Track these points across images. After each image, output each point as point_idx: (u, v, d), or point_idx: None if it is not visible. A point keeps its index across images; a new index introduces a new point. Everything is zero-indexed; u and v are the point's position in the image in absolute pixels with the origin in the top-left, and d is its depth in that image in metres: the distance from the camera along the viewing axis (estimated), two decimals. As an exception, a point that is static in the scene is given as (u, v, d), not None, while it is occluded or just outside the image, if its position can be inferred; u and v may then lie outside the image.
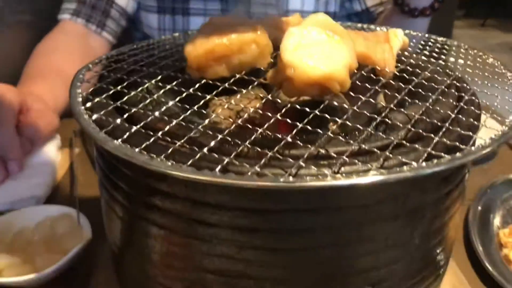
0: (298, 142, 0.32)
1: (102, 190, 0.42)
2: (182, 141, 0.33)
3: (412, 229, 0.36)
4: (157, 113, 0.36)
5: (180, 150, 0.33)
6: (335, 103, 0.38)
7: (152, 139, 0.33)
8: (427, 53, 0.49)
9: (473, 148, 0.32)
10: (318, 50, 0.36)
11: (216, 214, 0.33)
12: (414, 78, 0.41)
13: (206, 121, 0.35)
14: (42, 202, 0.69)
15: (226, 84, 0.39)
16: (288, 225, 0.33)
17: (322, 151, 0.32)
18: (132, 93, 0.40)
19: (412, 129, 0.35)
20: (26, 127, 0.69)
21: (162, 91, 0.40)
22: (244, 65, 0.41)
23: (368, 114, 0.36)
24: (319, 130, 0.34)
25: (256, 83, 0.40)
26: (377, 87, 0.39)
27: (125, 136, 0.33)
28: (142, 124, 0.35)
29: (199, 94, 0.38)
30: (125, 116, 0.36)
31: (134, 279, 0.43)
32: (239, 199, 0.32)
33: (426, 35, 0.54)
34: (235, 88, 0.39)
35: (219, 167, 0.30)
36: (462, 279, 0.56)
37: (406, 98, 0.38)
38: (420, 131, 0.34)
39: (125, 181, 0.37)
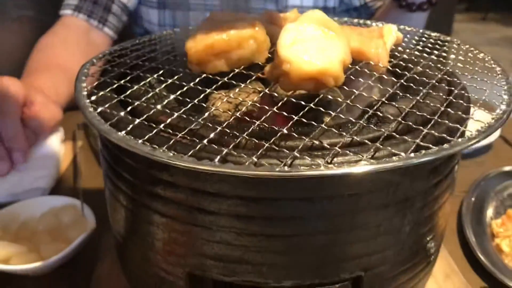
0: (294, 134, 0.34)
1: (107, 180, 0.44)
2: (183, 133, 0.35)
3: (402, 217, 0.38)
4: (159, 106, 0.38)
5: (181, 142, 0.34)
6: (330, 97, 0.39)
7: (154, 131, 0.35)
8: (420, 48, 0.50)
9: (460, 139, 0.33)
10: (314, 46, 0.38)
11: (216, 202, 0.35)
12: (406, 72, 0.43)
13: (206, 114, 0.37)
14: (47, 194, 0.71)
15: (226, 79, 0.41)
16: (283, 213, 0.35)
17: (316, 142, 0.34)
18: (135, 87, 0.41)
19: (403, 121, 0.36)
20: (30, 119, 0.71)
21: (164, 85, 0.42)
22: (242, 60, 0.42)
23: (360, 107, 0.38)
24: (313, 123, 0.35)
25: (254, 77, 0.42)
26: (370, 82, 0.41)
27: (128, 128, 0.35)
28: (144, 116, 0.37)
29: (199, 88, 0.40)
30: (128, 109, 0.38)
31: (137, 265, 0.45)
32: (237, 188, 0.34)
33: (420, 31, 0.56)
34: (234, 82, 0.41)
35: (218, 157, 0.32)
36: (454, 268, 0.57)
37: (398, 92, 0.40)
38: (410, 123, 0.36)
39: (129, 171, 0.39)
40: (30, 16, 1.05)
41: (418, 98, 0.39)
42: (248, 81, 0.42)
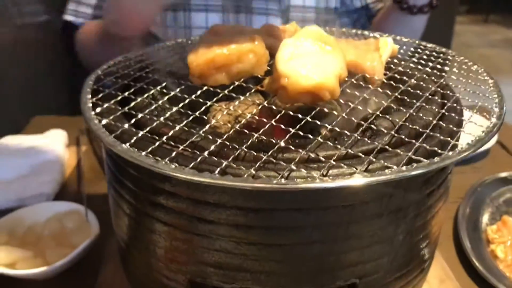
0: (291, 146, 0.35)
1: (111, 189, 0.45)
2: (185, 145, 0.36)
3: (396, 226, 0.39)
4: (162, 119, 0.39)
5: (183, 154, 0.36)
6: (326, 110, 0.40)
7: (157, 143, 0.36)
8: (415, 60, 0.51)
9: (450, 153, 0.34)
10: (311, 61, 0.39)
11: (215, 212, 0.36)
12: (401, 85, 0.44)
13: (207, 127, 0.38)
14: (52, 199, 0.73)
15: (226, 91, 0.42)
16: (280, 223, 0.36)
17: (312, 155, 0.35)
18: (139, 99, 0.43)
19: (396, 135, 0.37)
20: None
21: (166, 97, 0.43)
22: (242, 73, 0.44)
23: (356, 120, 0.39)
24: (310, 136, 0.37)
25: (253, 90, 0.43)
26: (365, 95, 0.42)
27: (132, 141, 0.36)
28: (148, 129, 0.38)
29: (201, 100, 0.41)
30: (132, 121, 0.39)
31: (140, 271, 0.46)
32: (236, 199, 0.35)
33: (417, 42, 0.57)
34: (234, 94, 0.42)
35: (218, 169, 0.33)
36: (449, 274, 0.59)
37: (392, 105, 0.41)
38: (403, 136, 0.37)
39: (132, 181, 0.40)
40: (36, 22, 1.07)
41: (411, 111, 0.40)
42: (248, 94, 0.43)
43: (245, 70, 0.43)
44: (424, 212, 0.41)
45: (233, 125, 0.42)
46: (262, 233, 0.37)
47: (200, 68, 0.42)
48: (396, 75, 0.47)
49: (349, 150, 0.36)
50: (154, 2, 0.77)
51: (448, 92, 0.45)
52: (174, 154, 0.35)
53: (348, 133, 0.37)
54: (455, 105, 0.43)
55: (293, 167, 0.33)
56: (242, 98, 0.42)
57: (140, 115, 0.40)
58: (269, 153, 0.35)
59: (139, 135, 0.37)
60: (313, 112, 0.39)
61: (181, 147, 0.36)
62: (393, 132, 0.37)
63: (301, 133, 0.37)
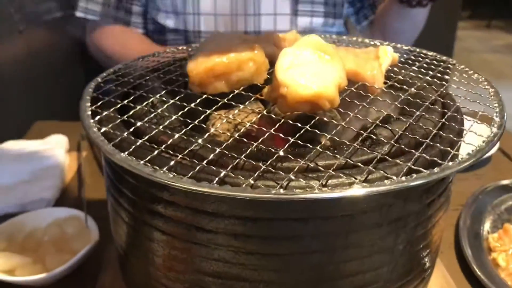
0: (290, 156, 0.35)
1: (109, 196, 0.45)
2: (184, 153, 0.36)
3: (395, 236, 0.39)
4: (161, 127, 0.39)
5: (181, 163, 0.36)
6: (326, 119, 0.40)
7: (156, 152, 0.36)
8: (416, 68, 0.51)
9: (450, 163, 0.34)
10: (310, 70, 0.39)
11: (214, 222, 0.36)
12: (401, 94, 0.44)
13: (206, 135, 0.38)
14: (52, 204, 0.72)
15: (225, 99, 0.42)
16: (279, 233, 0.36)
17: (311, 164, 0.35)
18: (138, 107, 0.43)
19: (396, 144, 0.37)
20: None
21: (165, 105, 0.43)
22: (242, 81, 0.44)
23: (355, 129, 0.39)
24: (309, 145, 0.37)
25: (253, 98, 0.43)
26: (365, 104, 0.42)
27: (131, 149, 0.36)
28: (147, 137, 0.38)
29: (200, 108, 0.41)
30: (131, 129, 0.39)
31: (139, 279, 0.46)
32: (234, 208, 0.35)
33: (417, 50, 0.57)
34: (233, 103, 0.42)
35: (217, 179, 0.33)
36: (450, 282, 0.58)
37: (392, 114, 0.41)
38: (403, 146, 0.37)
39: (131, 190, 0.40)
40: (38, 28, 1.08)
41: (411, 120, 0.40)
42: (247, 102, 0.43)
43: (245, 78, 0.43)
44: (424, 221, 0.40)
45: (232, 134, 0.42)
46: (261, 243, 0.36)
47: (200, 76, 0.42)
48: (396, 84, 0.46)
49: (349, 160, 0.35)
50: None
51: (449, 101, 0.45)
52: (172, 163, 0.35)
53: (348, 143, 0.37)
54: (455, 114, 0.42)
55: (292, 176, 0.33)
56: (241, 106, 0.42)
57: (139, 123, 0.40)
58: (268, 162, 0.35)
59: (138, 143, 0.37)
60: (312, 121, 0.39)
61: (180, 156, 0.36)
62: (393, 142, 0.37)
63: (300, 142, 0.37)
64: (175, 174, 0.33)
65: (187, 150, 0.36)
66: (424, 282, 0.47)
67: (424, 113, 0.42)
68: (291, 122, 0.39)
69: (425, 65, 0.52)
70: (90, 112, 0.41)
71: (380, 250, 0.39)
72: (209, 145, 0.37)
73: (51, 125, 0.97)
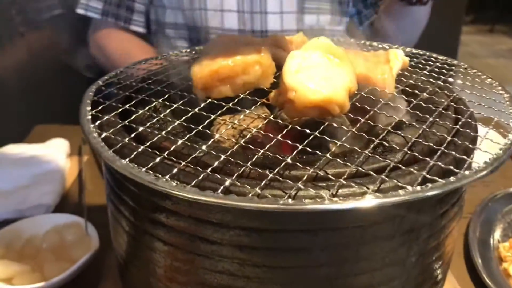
0: (298, 163, 0.34)
1: (110, 204, 0.44)
2: (187, 161, 0.34)
3: (408, 248, 0.37)
4: (163, 132, 0.38)
5: (184, 170, 0.34)
6: (335, 124, 0.39)
7: (158, 159, 0.35)
8: (427, 72, 0.50)
9: (467, 172, 0.33)
10: (319, 73, 0.38)
11: (219, 232, 0.35)
12: (412, 99, 0.42)
13: (210, 141, 0.37)
14: (51, 210, 0.71)
15: (230, 104, 0.41)
16: (286, 244, 0.34)
17: (321, 173, 0.34)
18: (140, 111, 0.41)
19: (409, 152, 0.36)
20: None
21: (168, 110, 0.41)
22: (247, 85, 0.42)
23: (366, 136, 0.37)
24: (318, 152, 0.35)
25: (259, 103, 0.42)
26: (376, 109, 0.40)
27: (132, 156, 0.35)
28: (148, 143, 0.37)
29: (204, 113, 0.40)
30: (132, 135, 0.38)
31: (139, 290, 0.45)
32: (240, 219, 0.34)
33: (427, 54, 0.55)
34: (238, 108, 0.41)
35: (222, 188, 0.31)
36: (461, 293, 0.56)
37: (404, 120, 0.40)
38: (416, 154, 0.35)
39: (132, 198, 0.39)
40: (36, 31, 1.07)
41: (424, 127, 0.39)
42: (253, 107, 0.41)
43: (251, 82, 0.42)
44: (437, 232, 0.39)
45: (237, 140, 0.40)
46: (267, 255, 0.35)
47: (204, 80, 0.41)
48: (407, 88, 0.45)
49: (360, 168, 0.34)
50: None
51: (462, 106, 0.44)
52: (175, 170, 0.33)
53: (359, 150, 0.35)
54: (469, 120, 0.41)
55: (301, 185, 0.32)
56: (247, 111, 0.41)
57: (141, 129, 0.39)
58: (275, 170, 0.33)
59: (140, 149, 0.36)
60: (321, 127, 0.38)
61: (183, 163, 0.34)
62: (406, 149, 0.36)
63: (309, 149, 0.35)
64: (178, 183, 0.31)
65: (190, 157, 0.35)
66: (435, 294, 0.46)
67: (437, 119, 0.40)
68: (299, 128, 0.38)
69: (436, 69, 0.50)
70: (90, 117, 0.40)
71: (392, 262, 0.37)
72: (213, 152, 0.35)
73: (52, 129, 0.96)
